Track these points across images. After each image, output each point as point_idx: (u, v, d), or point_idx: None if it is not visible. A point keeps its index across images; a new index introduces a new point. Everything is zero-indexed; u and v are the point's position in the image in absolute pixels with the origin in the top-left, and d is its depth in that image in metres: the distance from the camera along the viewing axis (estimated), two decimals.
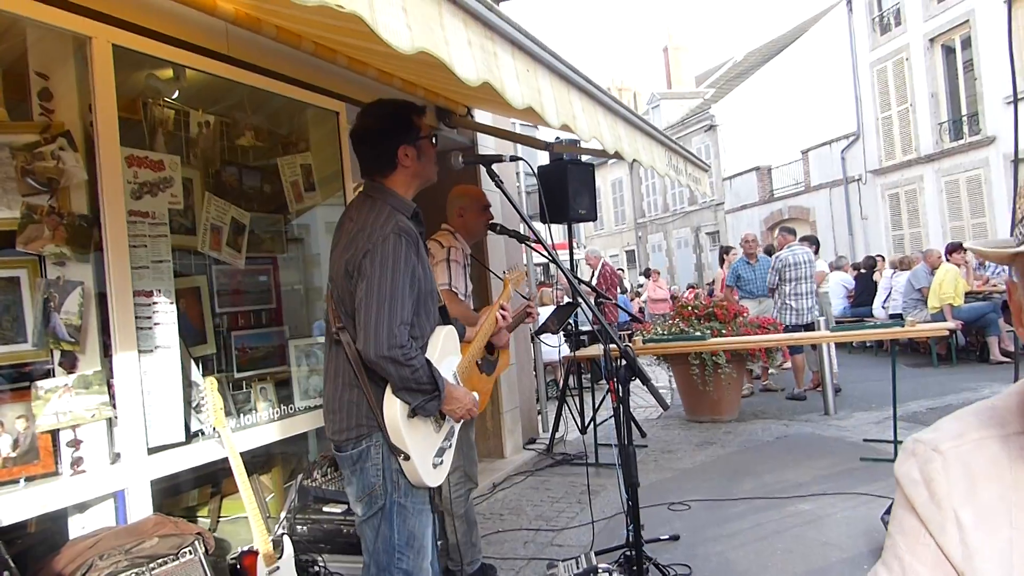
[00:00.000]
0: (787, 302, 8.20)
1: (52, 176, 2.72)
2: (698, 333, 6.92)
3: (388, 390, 2.23)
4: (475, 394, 2.51)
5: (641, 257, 32.89)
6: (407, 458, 2.24)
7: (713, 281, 16.32)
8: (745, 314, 7.70)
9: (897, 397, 5.53)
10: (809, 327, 7.92)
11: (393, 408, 2.23)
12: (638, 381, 2.41)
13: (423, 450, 2.30)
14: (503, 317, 3.22)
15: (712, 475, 5.44)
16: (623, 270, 22.77)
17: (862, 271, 13.03)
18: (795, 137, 23.32)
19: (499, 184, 2.60)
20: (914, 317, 8.79)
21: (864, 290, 12.21)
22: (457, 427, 2.53)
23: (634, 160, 3.94)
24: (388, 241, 2.18)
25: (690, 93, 31.59)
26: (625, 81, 41.62)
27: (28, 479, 2.63)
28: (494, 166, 2.68)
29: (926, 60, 17.31)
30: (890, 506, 2.83)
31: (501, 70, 2.35)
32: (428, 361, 2.23)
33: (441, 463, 2.39)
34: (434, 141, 2.48)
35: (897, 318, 10.23)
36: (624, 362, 2.40)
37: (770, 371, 9.33)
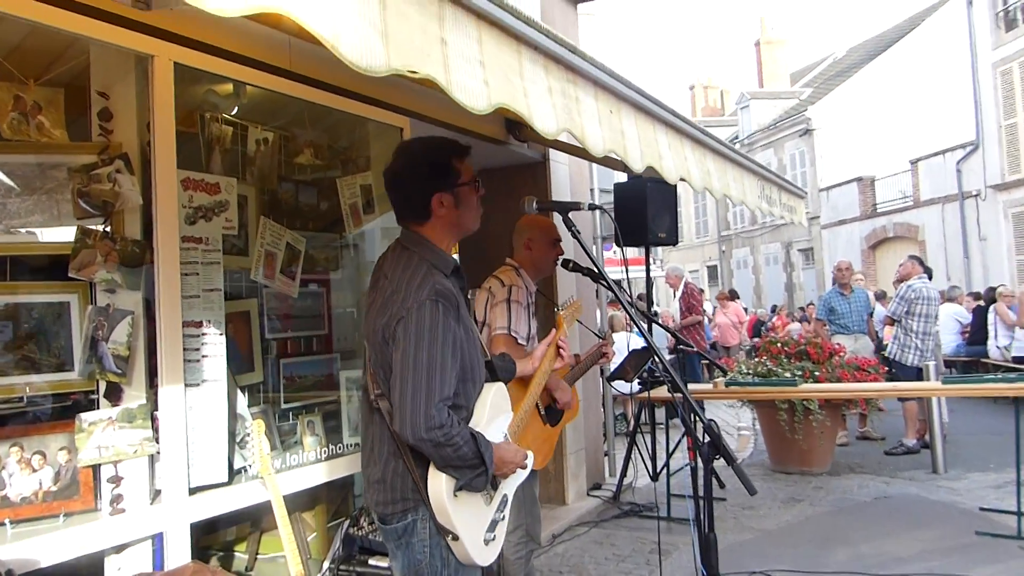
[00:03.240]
0: (913, 340, 7.98)
1: (107, 199, 2.87)
2: (788, 375, 6.79)
3: (431, 469, 2.22)
4: (528, 451, 2.48)
5: (724, 274, 32.44)
6: (455, 538, 2.23)
7: (807, 309, 15.97)
8: (842, 354, 7.52)
9: (1022, 460, 5.24)
10: (918, 372, 7.68)
11: (439, 485, 2.21)
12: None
13: (473, 527, 2.29)
14: (561, 352, 3.04)
15: (799, 539, 5.32)
16: (703, 290, 22.46)
17: (980, 303, 12.55)
18: (903, 145, 22.67)
19: (576, 235, 2.62)
20: None
21: (982, 326, 11.76)
22: (511, 495, 2.51)
23: (724, 197, 3.91)
24: (424, 308, 2.15)
25: (784, 93, 31.07)
26: (712, 78, 41.27)
27: (67, 515, 2.77)
28: (571, 214, 2.69)
29: None
30: None
31: (583, 116, 2.38)
32: (473, 434, 2.20)
33: (494, 539, 2.38)
34: (478, 187, 2.42)
35: (1021, 361, 9.84)
36: (707, 438, 2.38)
37: (870, 417, 9.08)
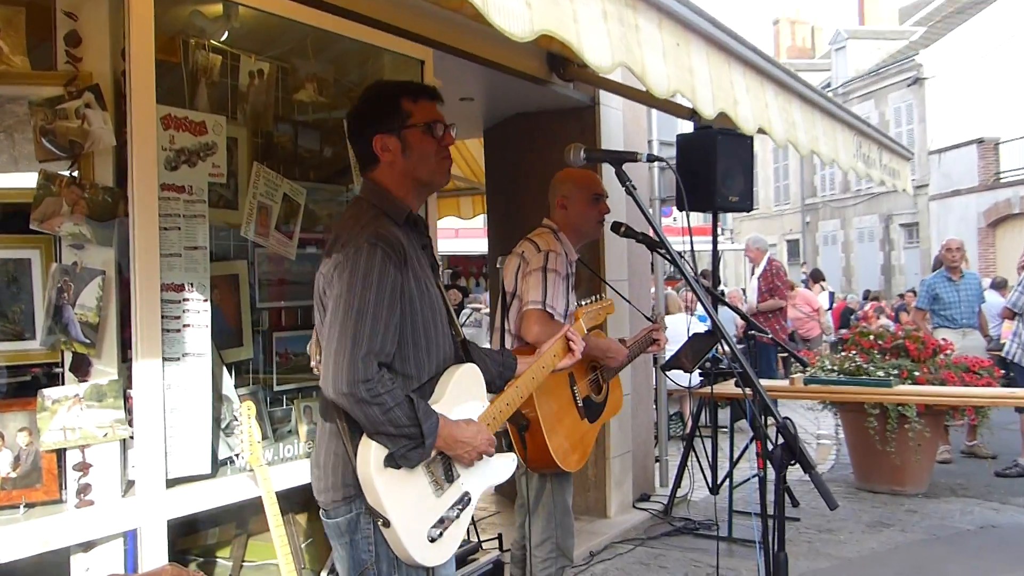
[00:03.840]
0: None
1: (75, 139, 2.92)
2: (881, 374, 6.75)
3: (363, 436, 2.27)
4: (487, 431, 2.47)
5: (807, 251, 32.15)
6: (386, 524, 2.25)
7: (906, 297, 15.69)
8: (948, 352, 7.45)
9: None
10: None
11: (365, 454, 2.25)
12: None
13: (412, 517, 2.30)
14: (572, 346, 2.92)
15: (886, 571, 5.31)
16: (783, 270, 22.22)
17: None
18: None
19: (631, 191, 2.62)
20: None
21: None
22: (475, 495, 2.51)
23: (812, 153, 3.89)
24: (362, 252, 2.25)
25: (890, 32, 30.58)
26: (801, 11, 40.70)
27: (28, 506, 2.86)
28: (626, 166, 2.68)
29: None
30: None
31: (643, 47, 2.39)
32: (410, 398, 2.24)
33: (441, 537, 2.37)
34: (436, 132, 2.48)
35: None
36: (781, 440, 2.38)
37: (979, 429, 9.00)
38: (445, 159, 2.55)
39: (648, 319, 4.10)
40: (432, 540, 2.34)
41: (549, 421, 3.36)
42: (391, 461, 2.25)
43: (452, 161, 2.60)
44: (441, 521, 2.38)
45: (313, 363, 2.43)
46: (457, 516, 2.43)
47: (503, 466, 2.64)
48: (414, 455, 2.26)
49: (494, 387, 2.73)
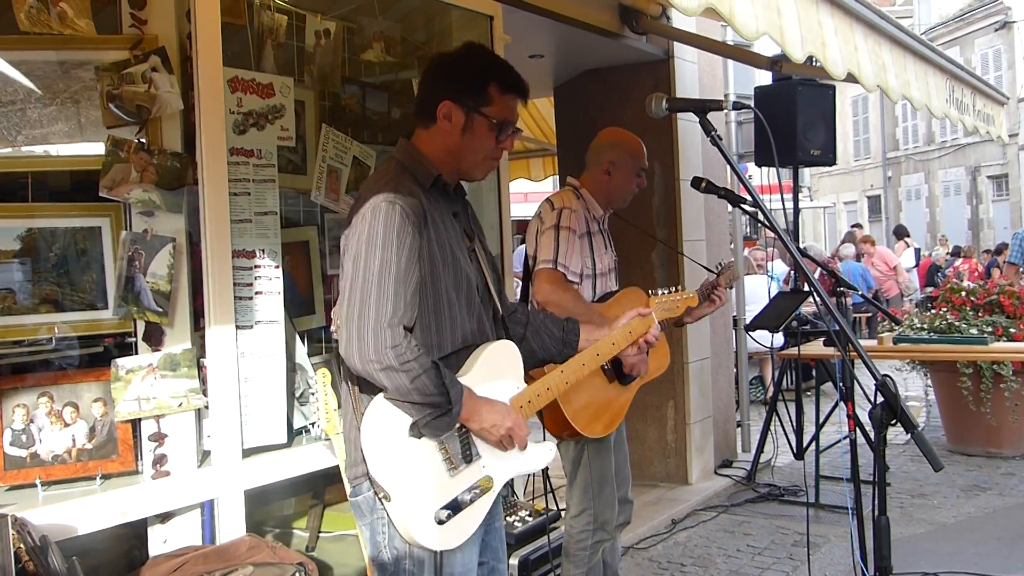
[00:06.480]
0: None
1: (142, 104, 2.90)
2: (974, 331, 6.53)
3: (376, 397, 2.16)
4: (515, 415, 2.30)
5: (890, 207, 31.44)
6: (387, 498, 2.14)
7: (1000, 252, 15.14)
8: None
9: None
10: None
11: (372, 420, 2.14)
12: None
13: (418, 492, 2.15)
14: (640, 344, 2.75)
15: (984, 536, 5.16)
16: (859, 225, 21.74)
17: None
18: None
19: (716, 141, 2.51)
20: None
21: None
22: (498, 483, 2.33)
23: (903, 99, 3.71)
24: (379, 210, 2.13)
25: None
26: None
27: (104, 477, 2.88)
28: (710, 115, 2.57)
29: None
30: None
31: None
32: (436, 364, 2.12)
33: (451, 521, 2.18)
34: (501, 134, 2.36)
35: None
36: (882, 398, 2.26)
37: None
38: (494, 160, 2.45)
39: (709, 271, 3.84)
40: (440, 522, 2.16)
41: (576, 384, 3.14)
42: (414, 430, 2.14)
43: (497, 164, 2.51)
44: (453, 503, 2.20)
45: (332, 328, 2.34)
46: (473, 501, 2.24)
47: (537, 454, 2.42)
48: (441, 423, 2.14)
49: (561, 358, 2.58)
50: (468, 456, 2.24)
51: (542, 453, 2.43)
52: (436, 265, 2.23)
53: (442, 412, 2.12)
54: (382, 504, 2.17)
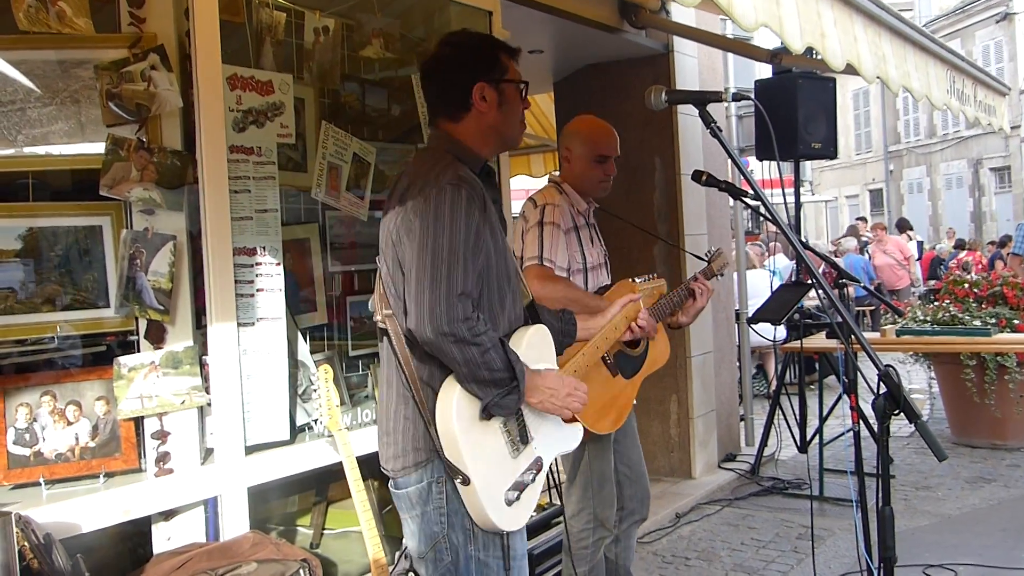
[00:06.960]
0: None
1: (142, 102, 2.90)
2: (978, 323, 6.53)
3: (447, 382, 2.21)
4: (574, 380, 2.44)
5: (892, 200, 31.39)
6: (466, 482, 2.18)
7: (1004, 244, 15.11)
8: None
9: None
10: None
11: (447, 409, 2.19)
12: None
13: (491, 475, 2.22)
14: (634, 325, 2.99)
15: (989, 528, 5.17)
16: (864, 219, 21.72)
17: None
18: None
19: (716, 133, 2.51)
20: None
21: None
22: (546, 460, 2.45)
23: (903, 90, 3.71)
24: (445, 193, 2.19)
25: None
26: None
27: (108, 475, 2.88)
28: (710, 106, 2.57)
29: None
30: None
31: None
32: (502, 340, 2.19)
33: (518, 501, 2.30)
34: (523, 94, 2.48)
35: None
36: (884, 389, 2.26)
37: None
38: (524, 122, 2.55)
39: (700, 258, 3.81)
40: (509, 503, 2.27)
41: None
42: (484, 412, 2.20)
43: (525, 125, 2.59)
44: (517, 484, 2.31)
45: (378, 317, 2.37)
46: (532, 480, 2.36)
47: (572, 434, 2.56)
48: (510, 400, 2.20)
49: (561, 348, 2.68)
50: (525, 438, 2.34)
51: (575, 432, 2.55)
52: (491, 250, 2.30)
53: (510, 390, 2.18)
54: (447, 490, 2.23)
